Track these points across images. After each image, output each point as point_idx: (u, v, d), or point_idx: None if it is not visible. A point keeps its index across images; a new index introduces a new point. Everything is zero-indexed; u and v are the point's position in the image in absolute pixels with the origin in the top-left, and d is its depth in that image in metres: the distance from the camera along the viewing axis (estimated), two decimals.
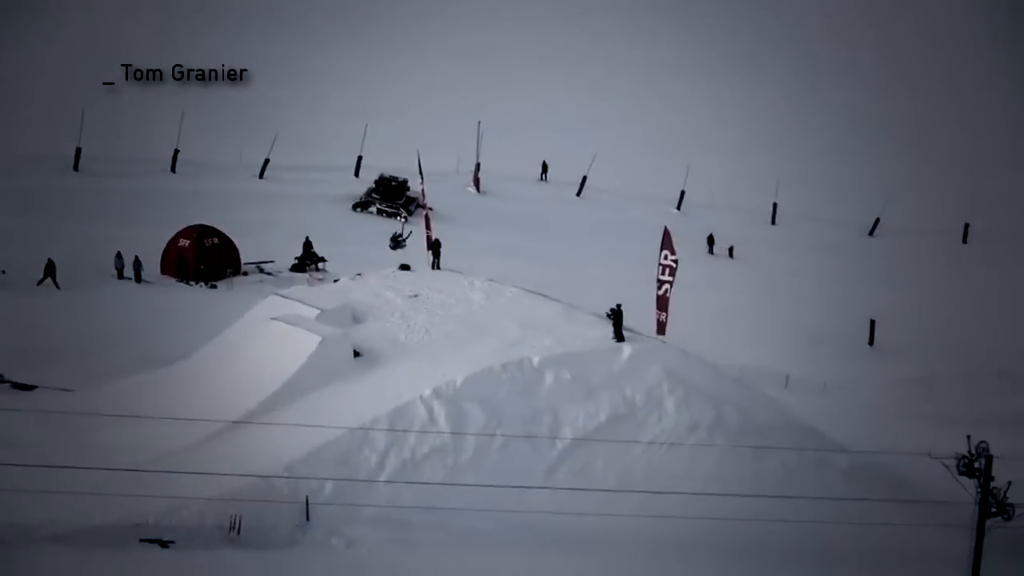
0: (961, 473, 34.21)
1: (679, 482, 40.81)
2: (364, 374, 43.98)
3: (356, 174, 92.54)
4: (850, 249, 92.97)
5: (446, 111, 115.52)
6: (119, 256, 64.38)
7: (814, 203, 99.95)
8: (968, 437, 34.38)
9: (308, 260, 70.05)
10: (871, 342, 70.05)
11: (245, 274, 68.04)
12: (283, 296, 49.34)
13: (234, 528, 37.02)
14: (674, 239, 47.07)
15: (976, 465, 33.97)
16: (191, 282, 65.73)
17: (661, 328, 46.51)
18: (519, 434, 41.34)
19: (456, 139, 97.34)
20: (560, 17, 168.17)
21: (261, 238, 72.11)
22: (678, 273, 46.63)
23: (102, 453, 38.25)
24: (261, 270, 68.84)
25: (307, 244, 70.57)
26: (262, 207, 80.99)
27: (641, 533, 38.87)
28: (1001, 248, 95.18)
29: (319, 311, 46.73)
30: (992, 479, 34.02)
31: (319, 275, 67.84)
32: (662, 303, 46.50)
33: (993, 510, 34.12)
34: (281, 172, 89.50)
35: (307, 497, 38.40)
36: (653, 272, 47.24)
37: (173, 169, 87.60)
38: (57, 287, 61.22)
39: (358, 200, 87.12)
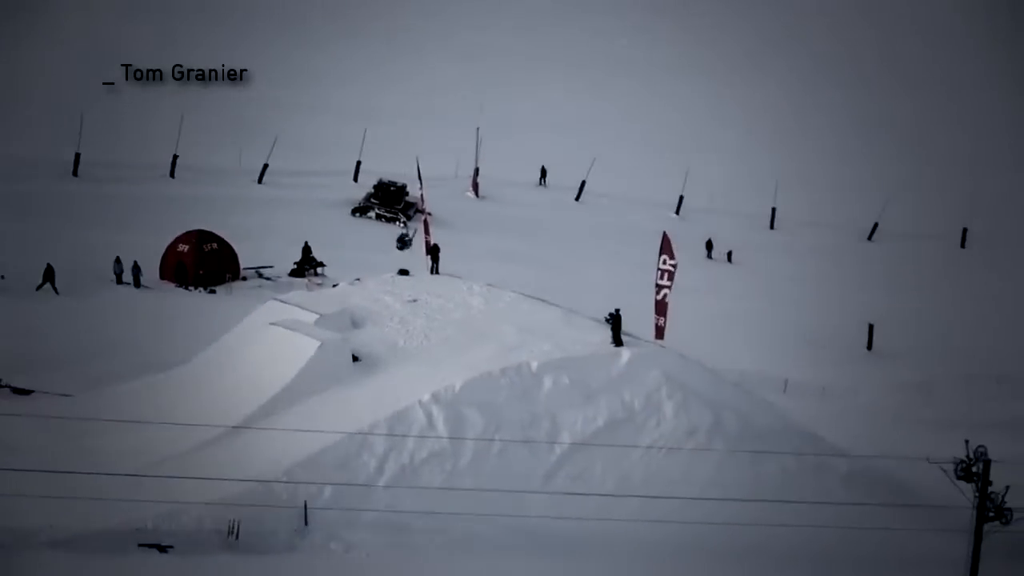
0: (959, 477, 34.22)
1: (678, 486, 40.86)
2: (363, 379, 44.00)
3: (355, 179, 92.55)
4: (848, 253, 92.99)
5: (446, 112, 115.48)
6: (118, 261, 64.37)
7: (813, 207, 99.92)
8: (966, 441, 34.38)
9: (307, 265, 70.07)
10: (869, 346, 70.11)
11: (244, 279, 68.04)
12: (282, 301, 49.28)
13: (232, 533, 37.03)
14: (673, 244, 47.10)
15: (974, 469, 33.97)
16: (190, 287, 65.73)
17: (660, 333, 46.55)
18: (518, 439, 41.36)
19: (455, 143, 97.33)
20: (560, 17, 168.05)
21: (260, 243, 72.10)
22: (677, 278, 46.65)
23: (101, 458, 38.33)
24: (260, 275, 68.85)
25: (306, 249, 70.58)
26: (261, 212, 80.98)
27: (640, 537, 38.89)
28: (1000, 252, 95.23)
29: (318, 316, 46.71)
30: (990, 483, 34.01)
31: (318, 280, 67.84)
32: (661, 308, 46.52)
33: (991, 514, 34.12)
34: (280, 177, 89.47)
35: (306, 502, 38.42)
36: (652, 277, 47.27)
37: (172, 174, 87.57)
38: (56, 292, 61.21)
39: (357, 205, 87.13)
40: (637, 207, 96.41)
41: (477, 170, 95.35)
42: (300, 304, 48.35)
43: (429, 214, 63.88)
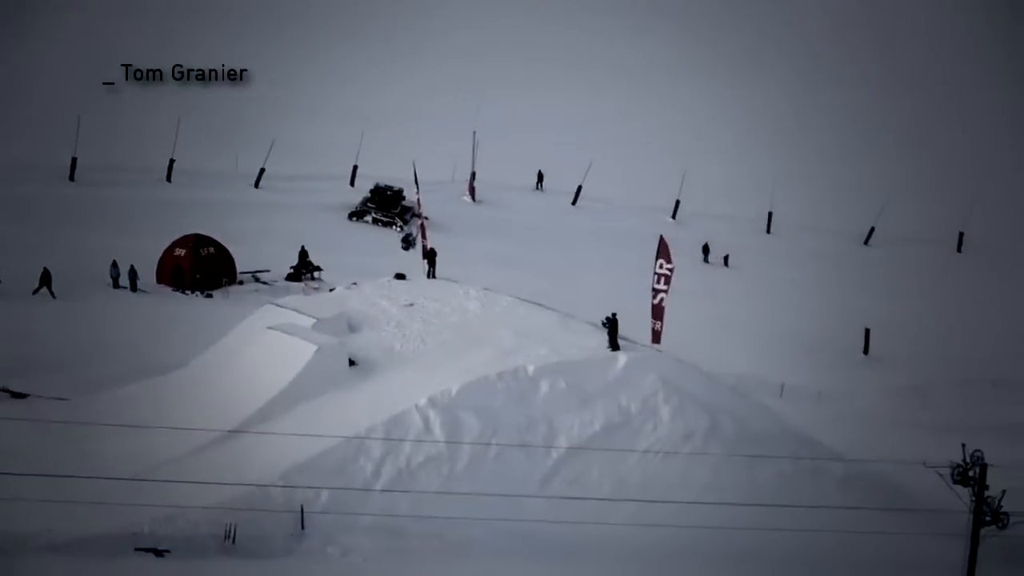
0: (956, 482, 34.31)
1: (674, 491, 40.90)
2: (360, 383, 44.00)
3: (352, 183, 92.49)
4: (845, 258, 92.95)
5: (443, 114, 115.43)
6: (115, 265, 64.31)
7: (810, 210, 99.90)
8: (963, 446, 34.48)
9: (304, 269, 70.04)
10: (866, 351, 70.12)
11: (241, 283, 67.98)
12: (279, 305, 49.28)
13: (229, 537, 37.04)
14: (670, 248, 47.13)
15: (971, 474, 34.07)
16: (187, 291, 65.68)
17: (656, 337, 46.60)
18: (514, 443, 41.37)
19: (452, 147, 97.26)
20: (560, 17, 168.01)
21: (257, 247, 72.02)
22: (673, 282, 46.68)
23: (98, 462, 38.29)
24: (257, 279, 68.82)
25: (303, 253, 70.57)
26: (258, 216, 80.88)
27: (636, 541, 38.91)
28: (996, 256, 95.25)
29: (315, 320, 46.69)
30: (987, 488, 34.10)
31: (315, 284, 67.79)
32: (657, 312, 46.58)
33: (987, 519, 34.23)
34: (277, 181, 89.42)
35: (302, 506, 38.41)
36: (648, 281, 47.31)
37: (169, 178, 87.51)
38: (53, 296, 61.15)
39: (354, 209, 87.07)
40: (633, 212, 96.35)
41: (474, 174, 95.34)
42: (297, 308, 48.33)
43: (426, 218, 63.91)
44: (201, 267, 66.54)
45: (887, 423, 56.80)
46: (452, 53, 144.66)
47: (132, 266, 64.45)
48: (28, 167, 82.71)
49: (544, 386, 43.02)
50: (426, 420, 41.42)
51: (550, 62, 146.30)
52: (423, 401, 41.84)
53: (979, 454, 34.10)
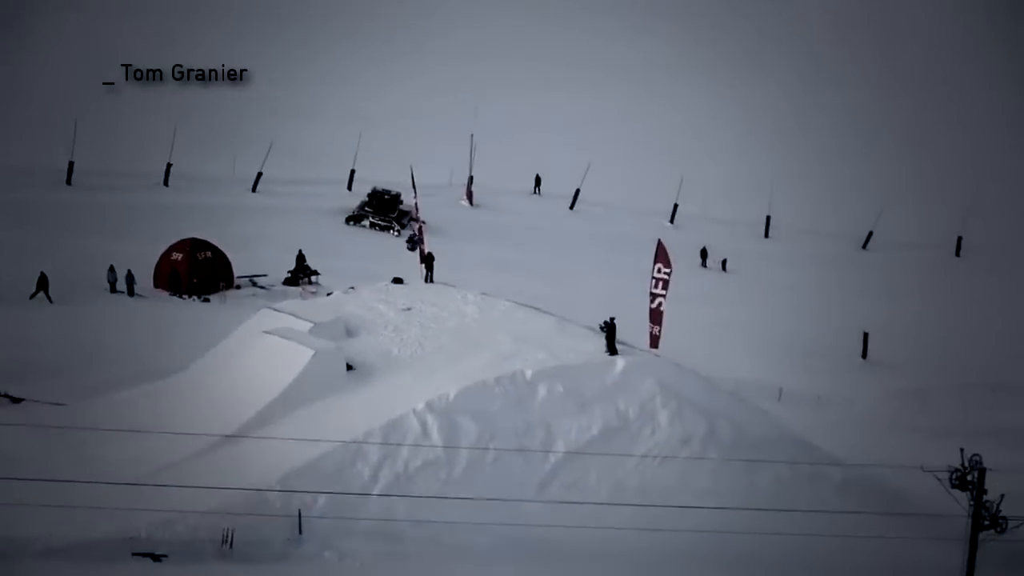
0: (954, 486, 34.29)
1: (672, 495, 40.84)
2: (357, 388, 43.97)
3: (349, 187, 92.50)
4: (843, 262, 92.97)
5: (442, 115, 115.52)
6: (112, 270, 64.28)
7: (808, 214, 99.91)
8: (961, 450, 34.45)
9: (301, 273, 70.02)
10: (864, 355, 70.10)
11: (238, 288, 67.94)
12: (276, 310, 49.22)
13: (227, 542, 36.99)
14: (668, 252, 47.09)
15: (969, 478, 34.04)
16: (184, 296, 65.64)
17: (654, 341, 46.52)
18: (512, 447, 41.33)
19: (450, 150, 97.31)
20: (560, 17, 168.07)
21: (254, 252, 72.04)
22: (671, 286, 46.62)
23: (95, 467, 38.24)
24: (254, 284, 68.78)
25: (300, 257, 70.54)
26: (255, 220, 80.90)
27: (634, 546, 38.87)
28: (995, 260, 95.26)
29: (312, 325, 46.64)
30: (985, 492, 34.07)
31: (312, 288, 67.79)
32: (655, 316, 46.50)
33: (986, 523, 34.18)
34: (274, 185, 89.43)
35: (300, 511, 38.35)
36: (646, 285, 47.24)
37: (166, 183, 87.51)
38: (50, 301, 61.12)
39: (351, 213, 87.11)
40: (631, 216, 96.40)
41: (471, 178, 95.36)
42: (294, 313, 48.27)
43: (423, 223, 63.85)
44: (198, 271, 66.50)
45: (886, 427, 56.78)
46: (452, 53, 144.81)
47: (129, 270, 64.43)
48: (26, 171, 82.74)
49: (542, 390, 42.97)
50: (424, 424, 41.37)
51: (550, 62, 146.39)
52: (421, 405, 41.78)
53: (978, 458, 34.08)
